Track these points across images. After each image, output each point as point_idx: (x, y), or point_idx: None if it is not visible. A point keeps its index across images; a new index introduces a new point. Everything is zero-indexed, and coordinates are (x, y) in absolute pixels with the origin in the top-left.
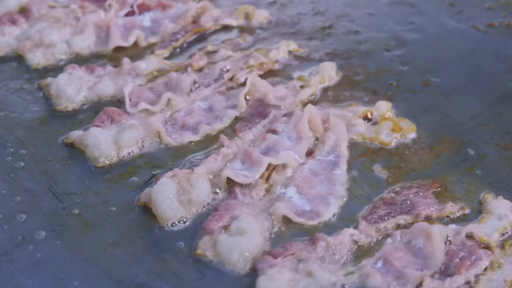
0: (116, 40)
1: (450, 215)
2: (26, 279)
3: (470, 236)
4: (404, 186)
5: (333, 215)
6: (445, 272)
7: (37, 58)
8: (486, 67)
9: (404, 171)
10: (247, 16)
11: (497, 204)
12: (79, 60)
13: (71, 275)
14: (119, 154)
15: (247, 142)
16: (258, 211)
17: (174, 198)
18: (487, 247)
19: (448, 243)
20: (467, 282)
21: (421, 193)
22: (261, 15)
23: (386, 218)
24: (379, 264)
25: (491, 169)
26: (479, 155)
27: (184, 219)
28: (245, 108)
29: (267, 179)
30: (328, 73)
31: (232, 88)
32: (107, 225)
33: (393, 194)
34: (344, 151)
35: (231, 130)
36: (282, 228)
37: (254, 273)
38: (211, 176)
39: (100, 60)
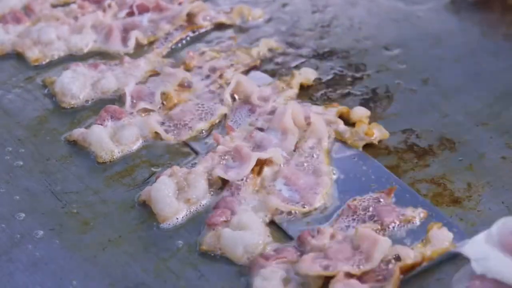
0: (117, 45)
1: (411, 221)
2: (25, 278)
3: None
4: (364, 197)
5: (324, 205)
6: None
7: (35, 56)
8: (486, 66)
9: (403, 170)
10: (242, 16)
11: (437, 233)
12: (78, 58)
13: (70, 274)
14: (119, 152)
15: (236, 139)
16: (254, 205)
17: (172, 197)
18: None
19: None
20: None
21: (381, 201)
22: (257, 14)
23: (352, 226)
24: (319, 255)
25: (490, 168)
26: (478, 154)
27: (183, 218)
28: (231, 105)
29: (259, 173)
30: (308, 77)
31: (222, 86)
32: (106, 224)
33: (355, 203)
34: (326, 146)
35: (222, 126)
36: (275, 219)
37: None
38: (209, 175)
39: (100, 58)
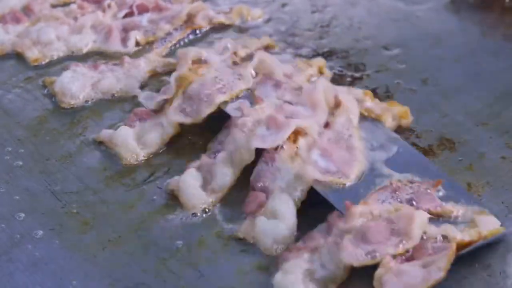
0: (117, 45)
1: (448, 214)
2: (25, 278)
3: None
4: (411, 180)
5: (359, 179)
6: (409, 258)
7: (35, 56)
8: (486, 66)
9: None
10: (242, 16)
11: (485, 219)
12: (78, 58)
13: (70, 274)
14: (144, 154)
15: (267, 110)
16: (289, 178)
17: (199, 188)
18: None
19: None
20: (424, 266)
21: (425, 189)
22: (256, 14)
23: (389, 201)
24: (358, 237)
25: (490, 168)
26: (478, 154)
27: (210, 208)
28: (252, 81)
29: (294, 141)
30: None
31: (236, 63)
32: (106, 224)
33: (398, 184)
34: (357, 125)
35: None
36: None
37: (256, 271)
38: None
39: (99, 58)
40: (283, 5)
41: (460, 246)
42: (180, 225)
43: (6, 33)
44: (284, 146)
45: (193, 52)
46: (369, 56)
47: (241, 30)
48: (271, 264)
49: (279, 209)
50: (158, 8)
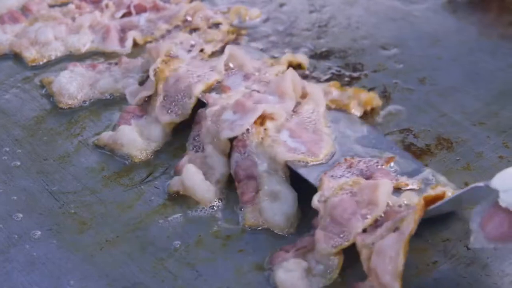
0: (115, 45)
1: (404, 187)
2: (23, 278)
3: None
4: (363, 158)
5: (327, 159)
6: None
7: (32, 56)
8: (483, 66)
9: None
10: (240, 16)
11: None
12: (76, 58)
13: (68, 274)
14: (153, 149)
15: (233, 98)
16: (268, 163)
17: (206, 180)
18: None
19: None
20: (396, 229)
21: (379, 164)
22: (254, 14)
23: (346, 176)
24: (327, 221)
25: (487, 168)
26: (476, 154)
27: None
28: (223, 74)
29: (262, 124)
30: (297, 57)
31: (205, 59)
32: (103, 224)
33: (352, 160)
34: (324, 113)
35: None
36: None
37: (253, 271)
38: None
39: (97, 58)
40: (281, 5)
41: (428, 201)
42: (178, 225)
43: (3, 33)
44: (252, 130)
45: (164, 47)
46: (367, 56)
47: (239, 30)
48: (268, 264)
49: (277, 190)
50: (156, 8)
